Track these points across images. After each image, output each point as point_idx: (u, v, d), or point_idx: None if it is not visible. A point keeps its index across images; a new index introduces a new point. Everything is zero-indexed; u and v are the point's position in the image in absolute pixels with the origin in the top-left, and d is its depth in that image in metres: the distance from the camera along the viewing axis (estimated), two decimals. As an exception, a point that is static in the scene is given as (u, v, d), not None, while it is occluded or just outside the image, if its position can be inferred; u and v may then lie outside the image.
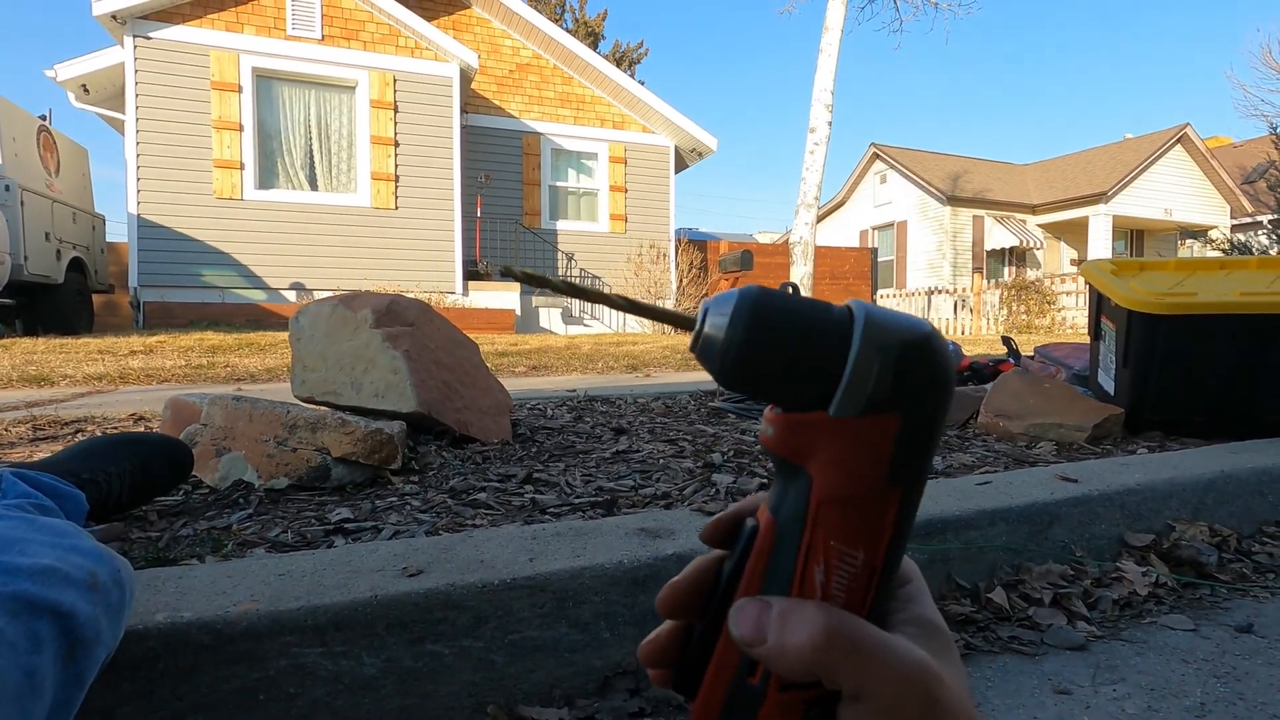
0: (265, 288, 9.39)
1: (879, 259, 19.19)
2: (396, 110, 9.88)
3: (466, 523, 1.25)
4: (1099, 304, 2.35)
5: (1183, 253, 20.33)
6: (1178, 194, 20.70)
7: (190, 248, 9.06)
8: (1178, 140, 20.53)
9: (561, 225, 12.19)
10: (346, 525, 1.23)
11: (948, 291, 16.58)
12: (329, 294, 9.39)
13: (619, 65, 24.12)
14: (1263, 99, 29.11)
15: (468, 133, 11.25)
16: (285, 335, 6.55)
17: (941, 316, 16.27)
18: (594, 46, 23.63)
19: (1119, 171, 19.97)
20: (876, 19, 42.52)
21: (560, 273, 11.93)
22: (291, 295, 9.49)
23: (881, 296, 18.15)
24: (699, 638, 0.27)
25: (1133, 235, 21.97)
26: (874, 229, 23.14)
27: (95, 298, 10.03)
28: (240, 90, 9.24)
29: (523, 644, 0.90)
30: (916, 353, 0.24)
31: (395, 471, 1.57)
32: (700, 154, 13.04)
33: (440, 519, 1.27)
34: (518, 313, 10.43)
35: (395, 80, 9.84)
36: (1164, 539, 1.37)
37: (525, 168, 11.93)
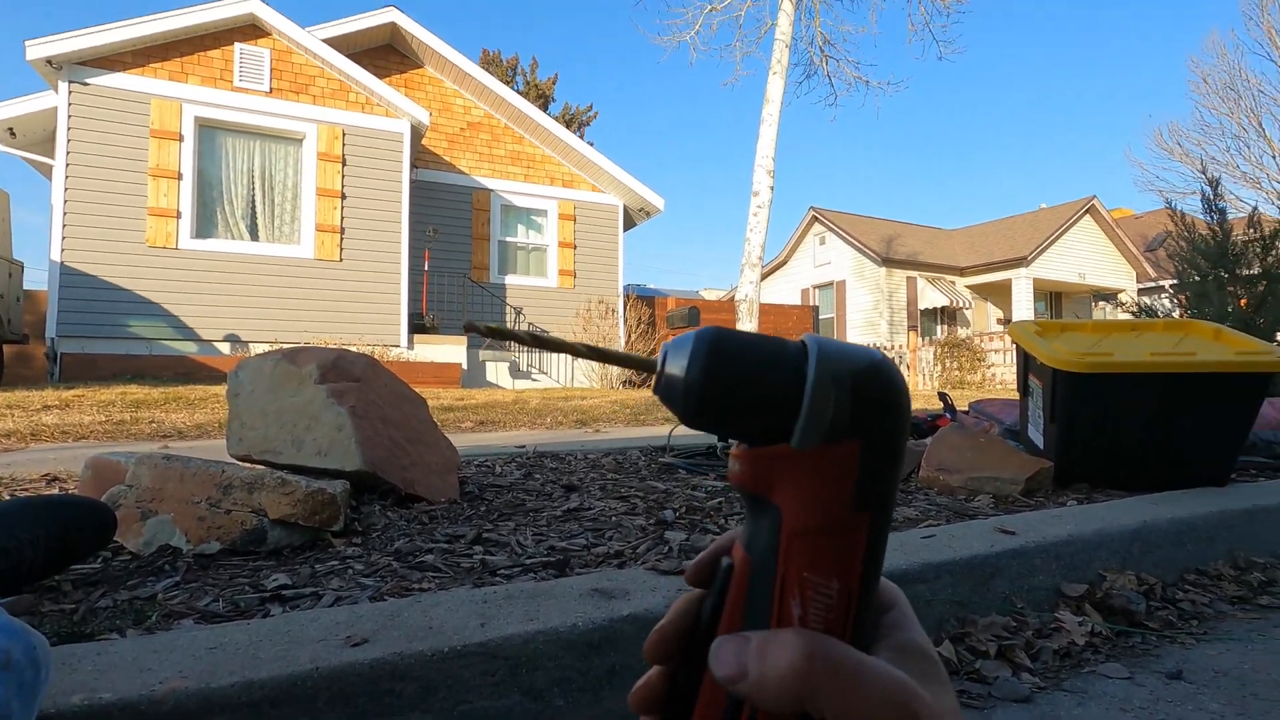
0: (197, 339, 9.01)
1: (820, 316, 19.89)
2: (344, 164, 9.85)
3: (413, 586, 1.20)
4: (1026, 363, 2.48)
5: (1096, 314, 21.75)
6: (1090, 259, 22.32)
7: (117, 296, 8.65)
8: (1086, 211, 22.27)
9: (510, 280, 12.22)
10: (284, 592, 1.16)
11: (885, 349, 17.23)
12: (266, 346, 9.07)
13: (569, 126, 24.79)
14: (1157, 175, 32.04)
15: (417, 187, 11.28)
16: (217, 389, 6.26)
17: (880, 372, 16.80)
18: (545, 108, 24.28)
19: (1037, 238, 21.45)
20: (814, 93, 45.17)
21: (509, 326, 11.88)
22: (225, 348, 9.13)
23: (823, 352, 18.65)
24: (684, 680, 0.27)
25: (1051, 297, 23.45)
26: (815, 288, 24.01)
27: (6, 348, 9.41)
28: (181, 139, 9.05)
29: (474, 714, 0.86)
30: (871, 379, 0.25)
31: (337, 533, 1.50)
32: (648, 213, 13.39)
33: (385, 583, 1.22)
34: (464, 366, 10.29)
35: (344, 134, 9.84)
36: (1096, 588, 1.43)
37: (475, 223, 12.00)
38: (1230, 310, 4.57)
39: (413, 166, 10.96)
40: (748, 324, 10.18)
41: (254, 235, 9.57)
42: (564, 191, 12.64)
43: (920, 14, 15.58)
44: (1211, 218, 5.20)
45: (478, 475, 2.34)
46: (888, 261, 21.63)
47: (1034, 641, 1.26)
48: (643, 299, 13.72)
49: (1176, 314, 5.34)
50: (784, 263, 25.37)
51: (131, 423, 4.35)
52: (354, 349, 4.95)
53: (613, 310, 12.55)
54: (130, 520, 1.42)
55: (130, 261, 8.73)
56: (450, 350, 10.41)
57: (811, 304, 21.35)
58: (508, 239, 12.35)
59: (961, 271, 22.64)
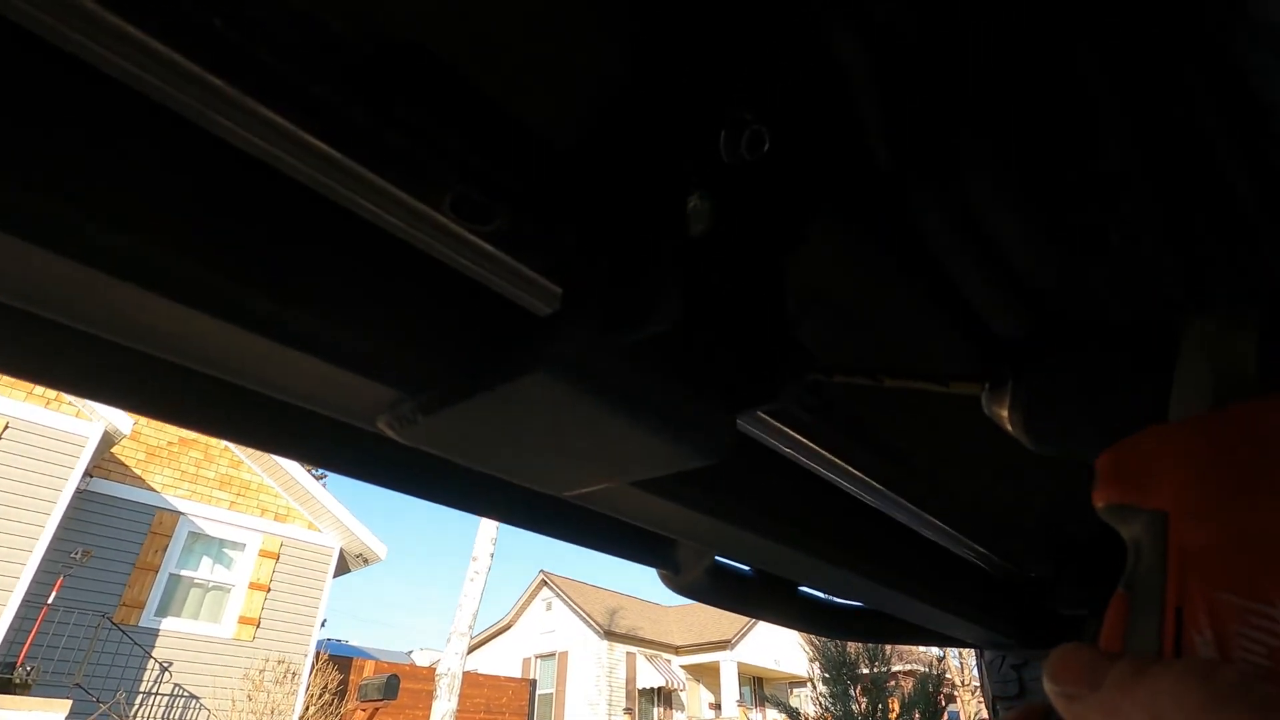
0: None
1: (539, 691, 18.52)
2: (-9, 459, 8.16)
3: None
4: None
5: (793, 700, 23.15)
6: (784, 647, 24.56)
7: None
8: (777, 600, 25.26)
9: (169, 624, 9.98)
10: None
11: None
12: None
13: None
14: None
15: (84, 498, 9.51)
16: None
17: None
18: (281, 433, 23.16)
19: (740, 621, 23.42)
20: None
21: (148, 686, 9.29)
22: None
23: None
24: None
25: (755, 681, 24.75)
26: (537, 657, 22.80)
27: None
28: None
29: None
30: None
31: None
32: (366, 560, 12.46)
33: None
34: (51, 746, 7.53)
35: (6, 425, 8.37)
36: None
37: (147, 549, 10.10)
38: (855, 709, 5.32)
39: (89, 474, 9.40)
40: (447, 703, 9.11)
41: None
42: (274, 525, 11.47)
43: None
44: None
45: None
46: (610, 634, 21.72)
47: None
48: (337, 659, 11.88)
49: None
50: (509, 626, 24.20)
51: None
52: None
53: (295, 673, 10.56)
54: None
55: None
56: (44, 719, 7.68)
57: (531, 676, 20.01)
58: (184, 572, 10.45)
59: (677, 650, 23.36)
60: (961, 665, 13.77)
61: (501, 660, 23.14)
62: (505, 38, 0.39)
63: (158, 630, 9.81)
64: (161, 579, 10.12)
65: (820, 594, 1.19)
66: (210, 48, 0.31)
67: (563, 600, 23.07)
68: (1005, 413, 0.34)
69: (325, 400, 0.45)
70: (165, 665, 9.55)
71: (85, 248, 0.33)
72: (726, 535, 0.68)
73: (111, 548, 9.77)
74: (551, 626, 23.07)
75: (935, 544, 1.00)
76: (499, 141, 0.36)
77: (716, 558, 0.91)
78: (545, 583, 23.99)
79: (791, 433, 0.67)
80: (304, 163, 0.38)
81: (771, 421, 0.61)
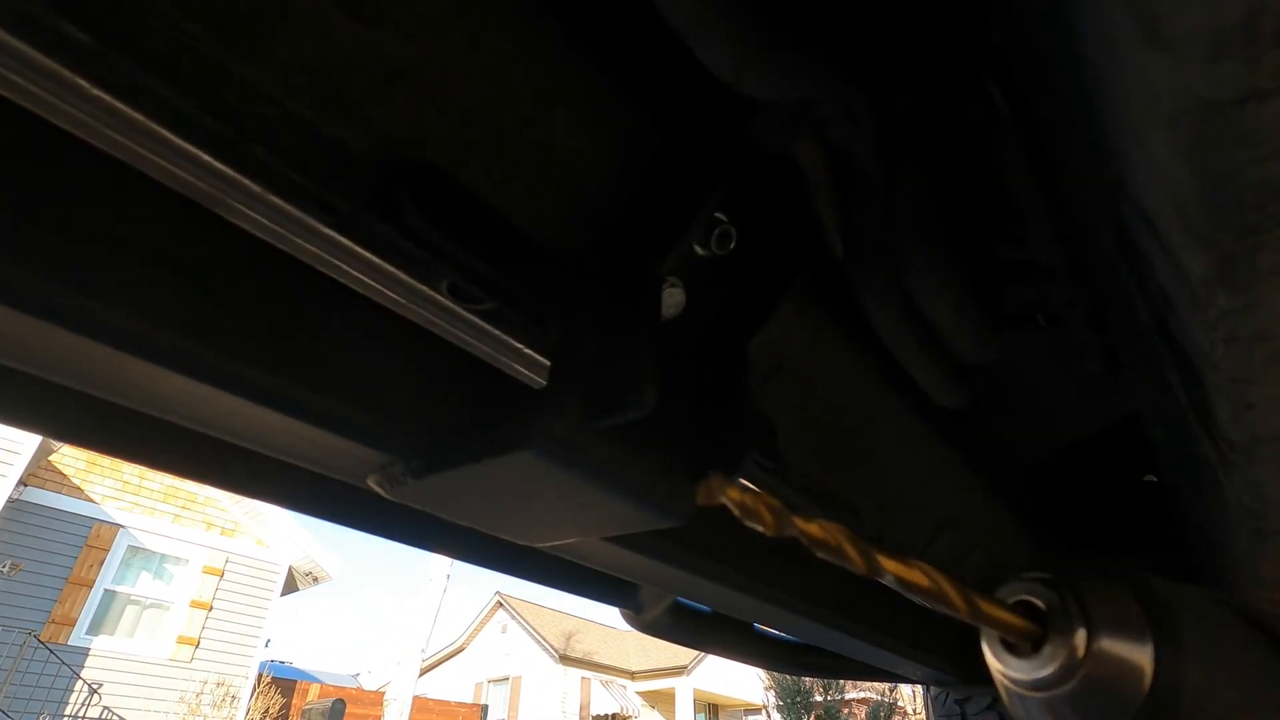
0: None
1: (491, 716, 18.09)
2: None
3: None
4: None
5: (747, 730, 23.01)
6: (740, 675, 24.47)
7: None
8: (734, 626, 25.23)
9: (101, 643, 9.52)
10: None
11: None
12: None
13: (255, 468, 22.84)
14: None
15: (16, 508, 9.06)
16: None
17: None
18: (232, 444, 22.42)
19: (696, 648, 23.29)
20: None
21: (74, 709, 8.81)
22: None
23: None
24: None
25: (710, 708, 24.59)
26: (490, 682, 22.30)
27: None
28: None
29: None
30: None
31: None
32: (316, 579, 12.10)
33: None
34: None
35: (-62, 432, 7.96)
36: None
37: (81, 563, 9.65)
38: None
39: (23, 483, 8.98)
40: (397, 727, 8.87)
41: None
42: (220, 540, 11.07)
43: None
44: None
45: None
46: (565, 659, 21.38)
47: None
48: (281, 682, 11.46)
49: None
50: (462, 649, 23.65)
51: None
52: None
53: (234, 696, 10.15)
54: None
55: None
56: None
57: (484, 701, 19.55)
58: (121, 588, 10.00)
59: (633, 675, 23.10)
60: (914, 694, 13.94)
61: (453, 684, 22.56)
62: (503, 146, 0.44)
63: (88, 649, 9.35)
64: (96, 595, 9.67)
65: (775, 631, 1.24)
66: (248, 163, 0.34)
67: (518, 623, 22.67)
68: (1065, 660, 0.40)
69: (318, 461, 0.48)
70: (95, 687, 9.08)
71: (102, 328, 0.36)
72: (686, 582, 0.72)
73: (43, 561, 9.31)
74: (506, 650, 22.62)
75: (882, 587, 1.06)
76: (495, 246, 0.41)
77: (677, 599, 0.95)
78: (501, 605, 23.55)
79: (749, 485, 0.72)
80: (314, 246, 0.42)
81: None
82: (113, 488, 10.32)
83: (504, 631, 23.06)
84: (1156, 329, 0.46)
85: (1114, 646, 0.45)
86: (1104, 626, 0.45)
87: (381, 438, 0.45)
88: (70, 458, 9.93)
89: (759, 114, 0.49)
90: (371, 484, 0.48)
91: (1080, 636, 0.45)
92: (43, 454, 8.84)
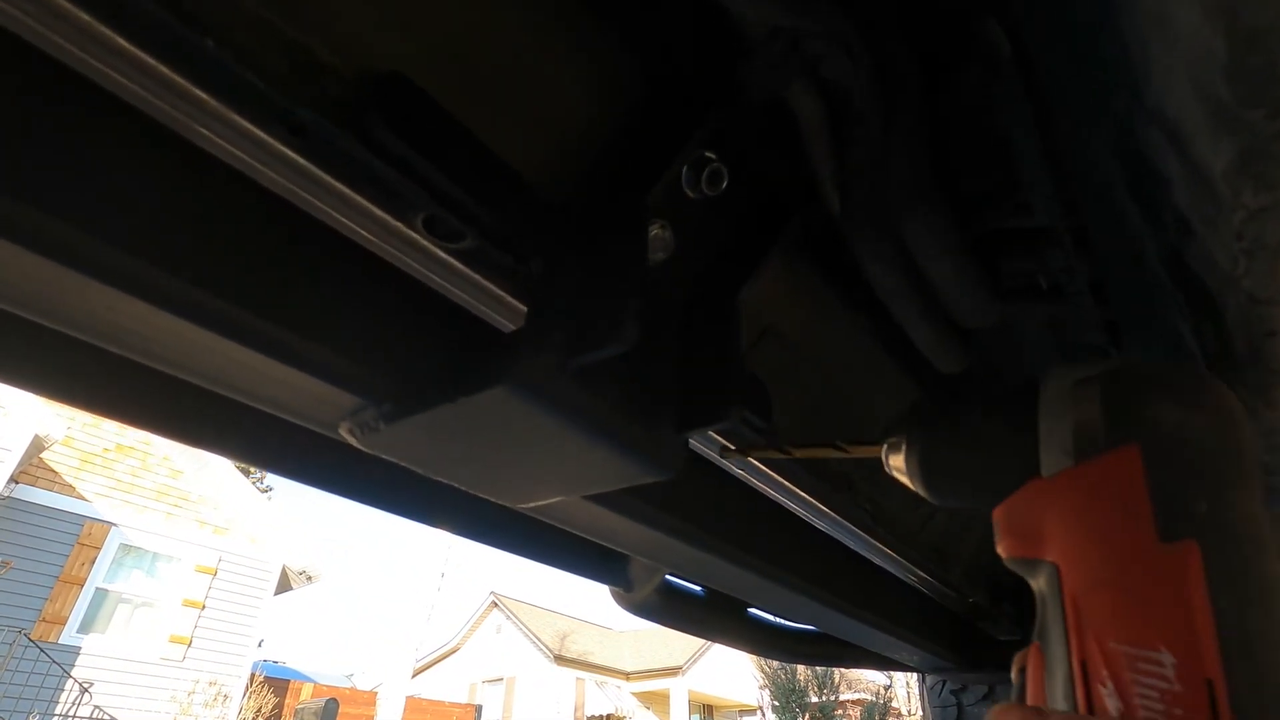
0: None
1: (485, 716, 18.02)
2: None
3: None
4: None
5: (742, 731, 22.99)
6: (734, 674, 24.45)
7: None
8: (729, 627, 25.20)
9: (92, 642, 9.44)
10: None
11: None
12: None
13: (247, 475, 22.82)
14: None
15: (7, 505, 8.99)
16: None
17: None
18: (226, 444, 22.31)
19: (691, 646, 23.26)
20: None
21: (65, 708, 8.74)
22: None
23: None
24: None
25: (705, 709, 24.55)
26: (485, 682, 22.23)
27: None
28: None
29: None
30: (1129, 374, 0.18)
31: None
32: (310, 578, 12.04)
33: None
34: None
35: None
36: None
37: (72, 562, 9.58)
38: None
39: (14, 480, 8.90)
40: (391, 726, 8.82)
41: None
42: (213, 539, 11.00)
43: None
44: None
45: None
46: (560, 659, 21.32)
47: None
48: (273, 681, 11.39)
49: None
50: (457, 649, 23.56)
51: None
52: None
53: (226, 695, 10.09)
54: None
55: None
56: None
57: (477, 702, 19.48)
58: (113, 587, 9.92)
59: (628, 676, 23.04)
60: (908, 695, 13.94)
61: (447, 684, 22.48)
62: (485, 74, 0.41)
63: (79, 648, 9.27)
64: (87, 593, 9.60)
65: (769, 616, 1.22)
66: (201, 65, 0.32)
67: (513, 623, 22.60)
68: (905, 473, 0.39)
69: (289, 406, 0.45)
70: (86, 686, 9.01)
71: (69, 253, 0.33)
72: (676, 551, 0.70)
73: (34, 559, 9.24)
74: (501, 650, 22.55)
75: (880, 568, 1.04)
76: (473, 172, 0.38)
77: (668, 577, 0.93)
78: (496, 605, 23.48)
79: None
80: (281, 176, 0.40)
81: (724, 443, 0.64)
82: (104, 485, 10.25)
83: (499, 632, 22.99)
84: (1170, 273, 0.44)
85: None
86: None
87: (353, 379, 0.42)
88: (62, 454, 9.86)
89: (751, 53, 0.47)
90: (343, 432, 0.46)
91: None
92: (34, 451, 8.77)
